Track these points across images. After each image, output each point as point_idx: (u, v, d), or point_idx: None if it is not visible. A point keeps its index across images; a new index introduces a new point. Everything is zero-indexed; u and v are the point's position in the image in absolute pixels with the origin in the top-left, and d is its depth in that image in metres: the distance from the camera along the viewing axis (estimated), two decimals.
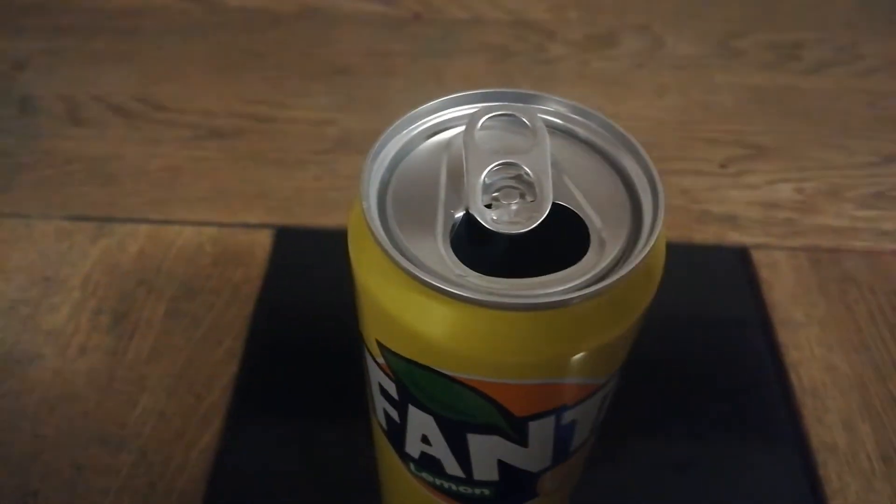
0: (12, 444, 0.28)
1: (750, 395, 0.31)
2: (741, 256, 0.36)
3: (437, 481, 0.19)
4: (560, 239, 0.15)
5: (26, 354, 0.31)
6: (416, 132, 0.16)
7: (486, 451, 0.17)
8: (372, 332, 0.16)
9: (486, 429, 0.16)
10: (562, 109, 0.17)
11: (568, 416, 0.16)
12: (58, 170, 0.39)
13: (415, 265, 0.14)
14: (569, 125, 0.17)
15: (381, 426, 0.19)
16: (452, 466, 0.17)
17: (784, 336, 0.33)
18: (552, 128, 0.16)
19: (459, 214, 0.15)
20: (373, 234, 0.14)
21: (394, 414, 0.17)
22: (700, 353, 0.32)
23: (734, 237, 0.37)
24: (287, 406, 0.30)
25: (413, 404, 0.16)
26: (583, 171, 0.16)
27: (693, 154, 0.41)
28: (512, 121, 0.16)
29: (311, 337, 0.32)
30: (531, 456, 0.17)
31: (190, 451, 0.29)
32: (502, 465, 0.17)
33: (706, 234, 0.37)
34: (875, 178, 0.40)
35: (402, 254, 0.14)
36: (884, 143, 0.42)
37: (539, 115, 0.16)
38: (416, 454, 0.18)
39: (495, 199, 0.15)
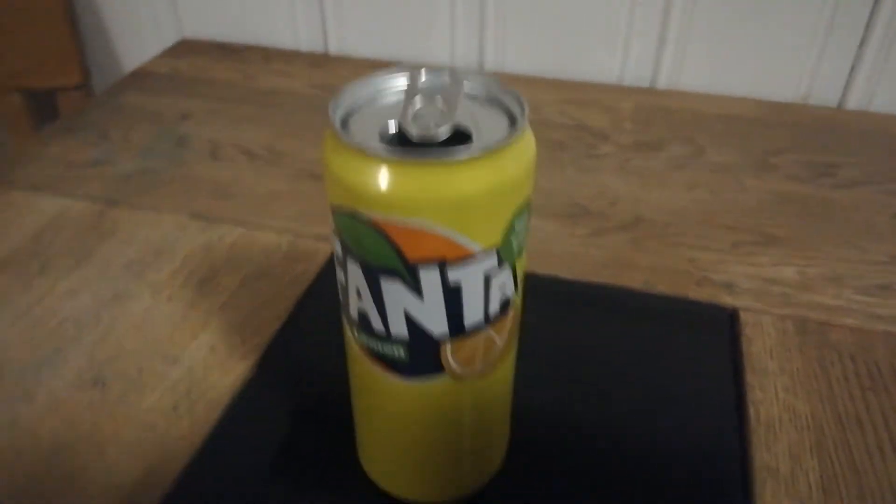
0: (112, 351, 0.37)
1: (705, 419, 0.34)
2: (729, 315, 0.40)
3: (369, 343, 0.25)
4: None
5: (128, 295, 0.41)
6: (381, 87, 0.24)
7: (395, 301, 0.23)
8: (330, 200, 0.23)
9: (391, 273, 0.22)
10: (479, 80, 0.24)
11: (452, 276, 0.22)
12: (191, 186, 0.51)
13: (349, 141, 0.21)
14: (480, 92, 0.24)
15: (342, 305, 0.26)
16: (376, 320, 0.24)
17: (752, 379, 0.36)
18: (473, 94, 0.24)
19: (394, 128, 0.23)
20: (331, 124, 0.22)
21: (342, 278, 0.24)
22: (665, 380, 0.36)
23: (727, 300, 0.41)
24: (316, 354, 0.37)
25: (349, 256, 0.23)
26: (483, 111, 0.23)
27: (708, 235, 0.46)
28: (444, 82, 0.24)
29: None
30: (428, 312, 0.23)
31: (224, 377, 0.36)
32: (409, 321, 0.23)
33: (701, 295, 0.41)
34: (882, 273, 0.43)
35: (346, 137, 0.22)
36: None
37: (460, 76, 0.24)
38: (355, 314, 0.24)
39: (425, 123, 0.23)
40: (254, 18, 0.73)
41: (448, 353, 0.24)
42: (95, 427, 0.34)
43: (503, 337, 0.26)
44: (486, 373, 0.26)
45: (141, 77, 0.67)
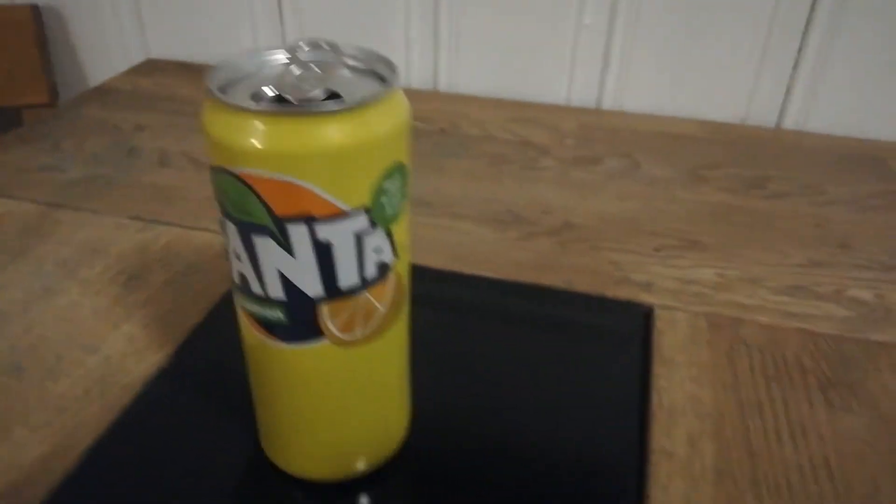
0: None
1: (607, 407, 0.35)
2: (645, 312, 0.41)
3: (251, 307, 0.25)
4: None
5: (57, 290, 0.42)
6: (262, 59, 0.26)
7: (269, 259, 0.24)
8: (211, 161, 0.24)
9: (262, 230, 0.23)
10: (352, 52, 0.26)
11: (321, 233, 0.23)
12: (136, 191, 0.52)
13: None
14: (357, 62, 0.26)
15: (230, 273, 0.26)
16: (254, 281, 0.25)
17: (660, 370, 0.37)
18: (349, 64, 0.26)
19: (272, 93, 0.24)
20: (207, 88, 0.23)
21: (225, 242, 0.25)
22: (574, 372, 0.37)
23: (645, 298, 0.42)
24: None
25: (226, 217, 0.24)
26: (360, 80, 0.25)
27: (633, 240, 0.47)
28: (323, 53, 0.25)
29: None
30: (301, 270, 0.24)
31: (139, 366, 0.37)
32: (284, 281, 0.24)
33: (619, 294, 0.42)
34: (798, 276, 0.44)
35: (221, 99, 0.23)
36: (819, 253, 0.46)
37: (339, 48, 0.25)
38: (237, 278, 0.25)
39: (300, 87, 0.24)
40: (218, 40, 0.75)
41: (326, 315, 0.25)
42: (7, 410, 0.34)
43: (384, 303, 0.26)
44: (370, 340, 0.27)
45: (103, 92, 0.68)
